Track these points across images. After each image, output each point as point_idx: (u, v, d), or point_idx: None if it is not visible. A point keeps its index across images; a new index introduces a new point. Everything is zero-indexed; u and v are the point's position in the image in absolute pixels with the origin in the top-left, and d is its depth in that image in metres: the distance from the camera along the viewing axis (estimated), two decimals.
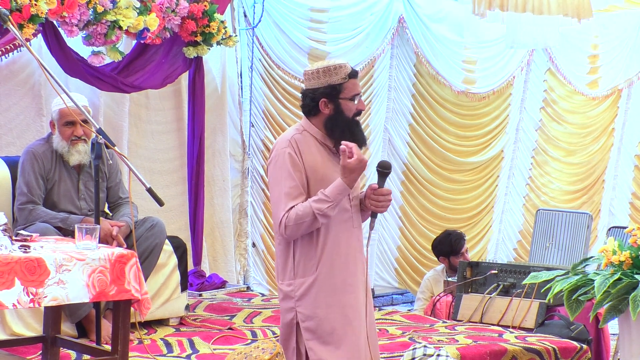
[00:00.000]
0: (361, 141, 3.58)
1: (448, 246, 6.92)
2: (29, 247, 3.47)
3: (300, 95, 3.65)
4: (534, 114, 9.40)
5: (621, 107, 9.93)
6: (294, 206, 3.46)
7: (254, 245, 7.57)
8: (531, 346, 5.03)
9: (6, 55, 5.66)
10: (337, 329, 3.55)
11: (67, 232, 4.68)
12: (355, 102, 3.56)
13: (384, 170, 3.60)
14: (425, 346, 4.36)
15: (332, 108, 3.55)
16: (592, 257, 4.42)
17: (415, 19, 8.24)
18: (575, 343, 5.21)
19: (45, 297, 3.35)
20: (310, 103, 3.56)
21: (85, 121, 4.33)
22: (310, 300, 3.54)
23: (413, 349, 4.18)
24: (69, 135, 4.87)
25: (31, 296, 3.32)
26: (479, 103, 8.86)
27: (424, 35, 8.31)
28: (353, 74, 3.56)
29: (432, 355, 4.20)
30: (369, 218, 3.68)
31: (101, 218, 4.58)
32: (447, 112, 8.72)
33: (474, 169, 9.03)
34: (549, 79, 9.39)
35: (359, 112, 3.59)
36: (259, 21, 7.26)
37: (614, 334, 5.94)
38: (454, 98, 8.71)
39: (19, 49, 5.64)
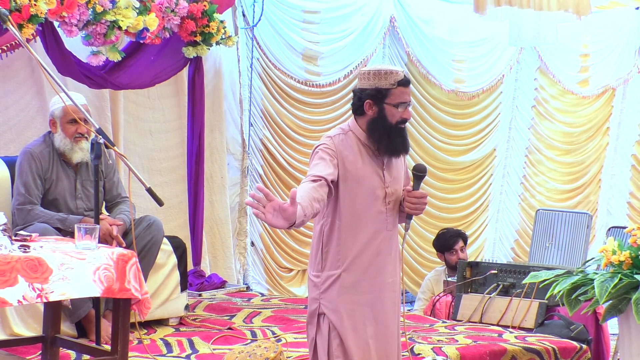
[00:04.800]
0: (399, 149, 3.60)
1: (443, 241, 6.96)
2: (28, 247, 3.46)
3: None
4: (525, 113, 9.41)
5: (616, 106, 9.91)
6: (306, 177, 3.43)
7: (252, 244, 7.57)
8: (531, 346, 5.03)
9: (7, 53, 5.64)
10: (355, 326, 3.59)
11: (65, 232, 4.68)
12: (400, 109, 3.57)
13: (418, 173, 3.61)
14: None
15: (376, 111, 3.57)
16: (595, 257, 4.41)
17: (406, 18, 8.27)
18: (575, 343, 5.21)
19: (52, 292, 3.34)
20: (357, 102, 3.59)
21: (85, 120, 4.33)
22: (333, 295, 3.58)
23: None
24: (73, 133, 4.87)
25: (37, 291, 3.30)
26: (470, 102, 8.88)
27: (414, 35, 8.34)
28: (403, 83, 3.56)
29: None
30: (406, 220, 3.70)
31: (100, 216, 4.58)
32: (439, 111, 8.72)
33: (466, 168, 9.04)
34: (539, 78, 9.40)
35: (403, 121, 3.58)
36: (259, 20, 7.27)
37: (613, 334, 5.94)
38: (445, 97, 8.72)
39: (17, 48, 5.63)
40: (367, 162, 3.58)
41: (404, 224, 3.69)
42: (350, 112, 3.61)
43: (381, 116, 3.55)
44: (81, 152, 4.88)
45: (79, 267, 3.43)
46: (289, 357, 4.55)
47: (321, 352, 3.61)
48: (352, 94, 3.66)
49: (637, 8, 9.47)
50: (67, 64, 5.72)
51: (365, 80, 3.57)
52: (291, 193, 3.10)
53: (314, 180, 3.36)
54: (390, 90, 3.54)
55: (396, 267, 3.70)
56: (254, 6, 7.26)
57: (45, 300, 3.36)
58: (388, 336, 3.66)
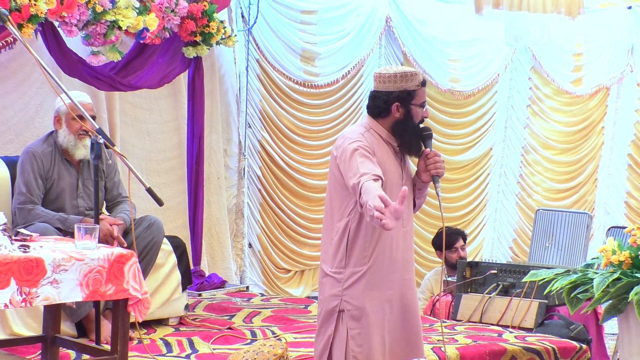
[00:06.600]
0: (420, 148, 3.71)
1: (442, 239, 6.95)
2: (28, 247, 3.46)
3: (369, 96, 3.72)
4: (521, 112, 9.42)
5: (610, 105, 9.90)
6: (366, 176, 3.42)
7: (250, 246, 7.56)
8: (531, 346, 5.03)
9: (5, 49, 5.64)
10: (381, 322, 3.64)
11: (66, 232, 4.67)
12: (423, 109, 3.69)
13: (427, 132, 3.70)
14: None
15: (402, 112, 3.65)
16: (597, 257, 4.40)
17: (402, 18, 8.28)
18: (574, 343, 5.21)
19: (38, 296, 3.36)
20: (382, 105, 3.66)
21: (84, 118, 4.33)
22: (358, 291, 3.63)
23: None
24: (77, 129, 4.89)
25: (24, 295, 3.32)
26: (466, 101, 8.89)
27: (410, 35, 8.35)
28: (424, 83, 3.70)
29: None
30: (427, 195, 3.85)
31: (100, 216, 4.58)
32: (436, 111, 8.73)
33: (463, 167, 9.04)
34: (533, 77, 9.41)
35: (422, 120, 3.71)
36: (254, 22, 7.27)
37: (612, 334, 5.94)
38: (442, 97, 8.73)
39: (12, 45, 5.62)
40: (391, 159, 3.67)
41: (432, 190, 3.73)
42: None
43: (408, 117, 3.66)
44: (84, 149, 4.90)
45: (73, 269, 3.44)
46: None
47: (337, 350, 3.64)
48: (369, 96, 3.72)
49: (630, 7, 9.50)
50: (70, 65, 5.72)
51: (390, 83, 3.64)
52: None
53: (375, 180, 3.43)
54: (417, 91, 3.66)
55: (412, 264, 3.78)
56: (249, 8, 7.26)
57: (29, 305, 3.38)
58: (414, 330, 3.73)
